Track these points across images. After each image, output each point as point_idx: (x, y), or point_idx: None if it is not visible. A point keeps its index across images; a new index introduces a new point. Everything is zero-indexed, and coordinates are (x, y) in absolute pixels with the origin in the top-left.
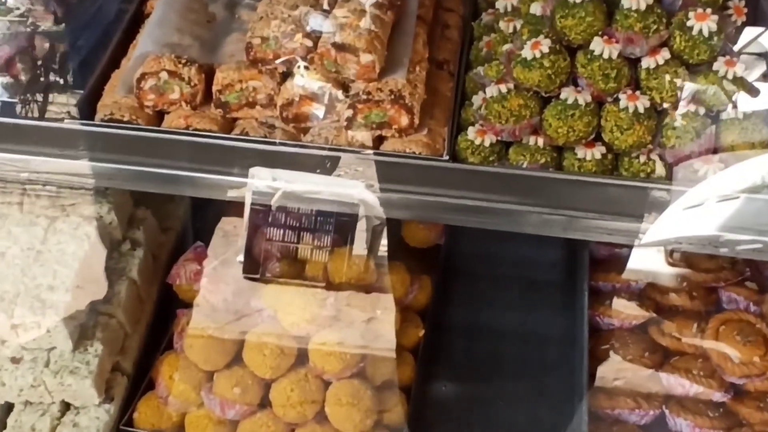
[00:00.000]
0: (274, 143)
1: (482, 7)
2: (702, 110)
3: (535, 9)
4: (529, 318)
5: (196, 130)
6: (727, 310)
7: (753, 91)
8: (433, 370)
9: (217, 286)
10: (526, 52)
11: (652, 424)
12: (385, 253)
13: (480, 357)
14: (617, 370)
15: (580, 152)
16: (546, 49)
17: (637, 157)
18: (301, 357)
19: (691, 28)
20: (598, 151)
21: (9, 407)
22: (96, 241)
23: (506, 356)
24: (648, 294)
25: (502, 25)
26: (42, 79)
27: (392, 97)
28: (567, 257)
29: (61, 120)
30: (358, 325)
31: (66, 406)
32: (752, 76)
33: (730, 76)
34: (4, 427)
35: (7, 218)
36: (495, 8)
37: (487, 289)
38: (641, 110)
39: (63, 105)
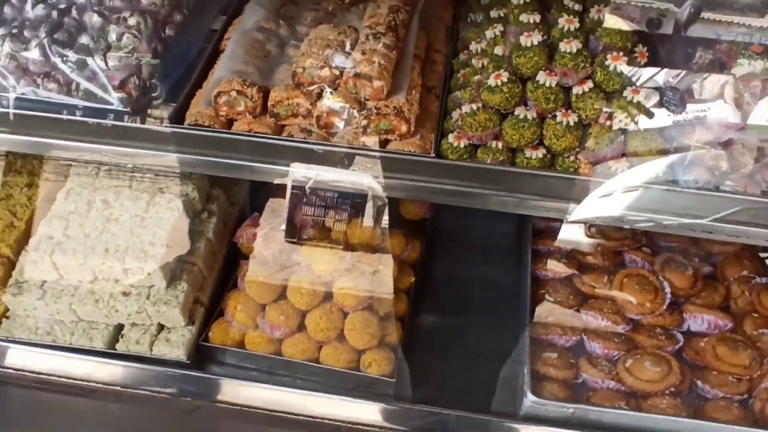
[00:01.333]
0: (309, 143)
1: (459, 48)
2: (614, 125)
3: (498, 50)
4: (489, 270)
5: (255, 133)
6: (629, 267)
7: (649, 113)
8: (420, 306)
9: (268, 245)
10: (491, 81)
11: (574, 347)
12: (387, 224)
13: (454, 298)
14: (550, 309)
15: (528, 153)
16: (505, 79)
17: (569, 157)
18: (327, 295)
19: (608, 66)
20: (540, 152)
21: (120, 327)
22: (182, 212)
23: (473, 297)
24: (573, 255)
25: (474, 62)
26: (146, 95)
27: (395, 111)
28: (517, 228)
29: (160, 124)
30: (367, 275)
31: (160, 327)
32: (650, 102)
33: (634, 101)
34: (117, 340)
35: (120, 194)
36: (469, 50)
37: (460, 250)
38: (572, 124)
39: (158, 116)
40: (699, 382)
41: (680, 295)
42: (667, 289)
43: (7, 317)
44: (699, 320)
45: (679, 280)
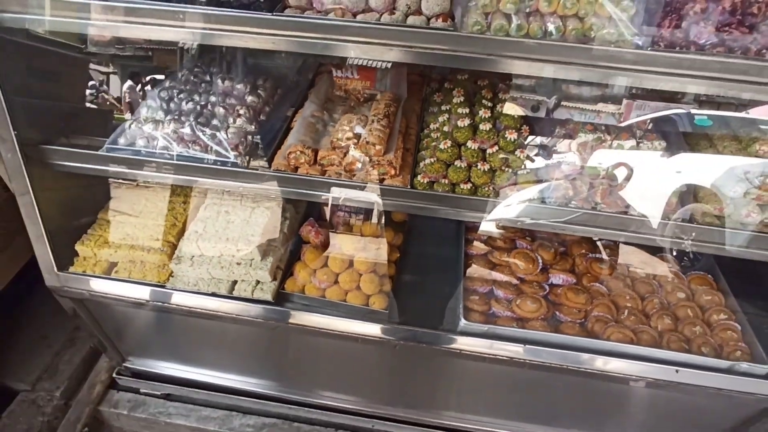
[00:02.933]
0: (341, 181)
1: (424, 126)
2: (510, 169)
3: (446, 128)
4: (441, 250)
5: (310, 174)
6: (519, 248)
7: (531, 160)
8: (402, 270)
9: (317, 236)
10: (441, 146)
11: (488, 292)
12: (384, 223)
13: (422, 265)
14: (475, 270)
15: (462, 186)
16: (449, 145)
17: (485, 188)
18: (350, 264)
19: (506, 137)
20: (468, 186)
21: (235, 282)
22: (270, 217)
23: (432, 265)
24: (488, 241)
25: (432, 134)
26: (250, 153)
27: (388, 163)
28: (457, 226)
29: (257, 169)
30: (372, 251)
31: (257, 282)
32: (531, 154)
33: (523, 157)
34: (234, 289)
35: (236, 207)
36: (429, 128)
37: (425, 238)
38: (486, 170)
39: (257, 165)
40: (557, 313)
41: (547, 263)
42: (540, 260)
43: (173, 276)
44: (557, 278)
45: (546, 254)
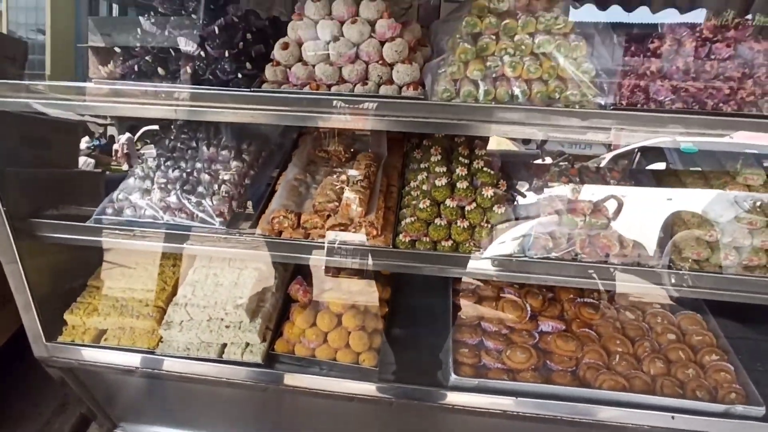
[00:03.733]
0: (323, 243)
1: (406, 183)
2: (489, 225)
3: (425, 187)
4: (429, 301)
5: (293, 238)
6: (506, 296)
7: (509, 219)
8: (391, 324)
9: (305, 295)
10: (420, 205)
11: (478, 344)
12: (373, 279)
13: (410, 318)
14: (463, 321)
15: (444, 243)
16: (428, 204)
17: (466, 244)
18: (339, 322)
19: (483, 194)
20: (449, 243)
21: (224, 345)
22: (261, 277)
23: (420, 318)
24: (476, 291)
25: (412, 192)
26: (234, 219)
27: (369, 224)
28: (444, 282)
29: (241, 235)
30: (361, 309)
31: (247, 344)
32: (505, 210)
33: (500, 212)
34: (223, 353)
35: (224, 269)
36: (410, 185)
37: (413, 292)
38: (465, 227)
39: (242, 229)
40: (548, 362)
41: (536, 310)
42: (528, 308)
43: (162, 342)
44: (547, 325)
45: (534, 302)
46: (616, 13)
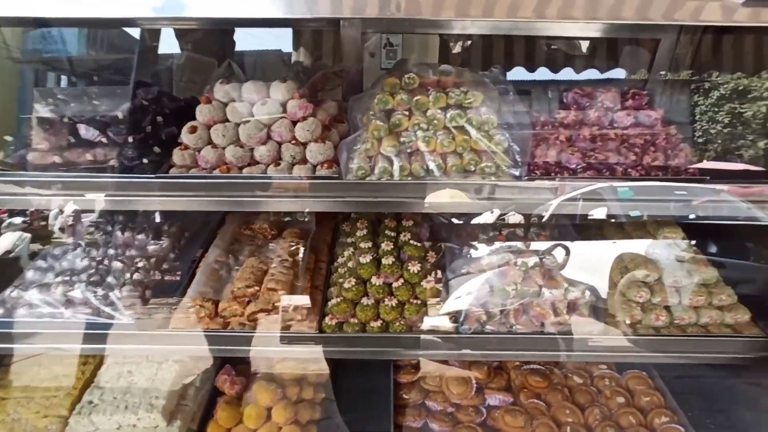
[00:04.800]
0: (244, 332)
1: (336, 254)
2: (419, 301)
3: (350, 264)
4: (369, 380)
5: (211, 329)
6: (450, 369)
7: (439, 293)
8: (330, 412)
9: (232, 387)
10: (345, 285)
11: (422, 427)
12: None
13: (350, 401)
14: (405, 402)
15: (372, 323)
16: (353, 283)
17: (395, 324)
18: (268, 418)
19: (410, 269)
20: (378, 323)
21: None
22: (181, 371)
23: (359, 401)
24: (419, 365)
25: (339, 271)
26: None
27: (294, 308)
28: (385, 364)
29: (153, 330)
30: (292, 400)
31: None
32: (435, 284)
33: (429, 287)
34: None
35: (140, 365)
36: (338, 261)
37: (351, 372)
38: (394, 305)
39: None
40: None
41: (481, 382)
42: (474, 382)
43: None
44: (494, 398)
45: (480, 373)
46: (544, 73)
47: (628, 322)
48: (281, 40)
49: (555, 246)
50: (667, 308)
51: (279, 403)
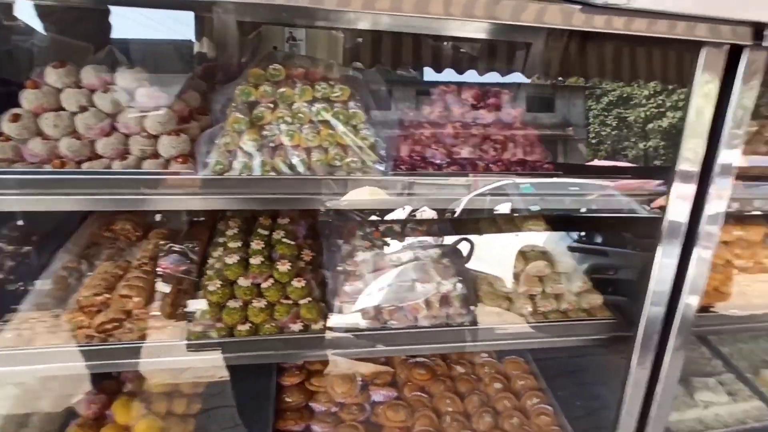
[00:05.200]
0: (94, 345)
1: (207, 256)
2: (290, 301)
3: (218, 265)
4: (250, 383)
5: (50, 344)
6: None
7: (312, 292)
8: (202, 425)
9: (88, 407)
10: (210, 288)
11: (304, 431)
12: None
13: (227, 409)
14: (287, 406)
15: (240, 327)
16: (219, 285)
17: (265, 326)
18: None
19: (279, 269)
20: (247, 326)
21: None
22: (24, 395)
23: (242, 407)
24: (304, 365)
25: (208, 273)
26: None
27: (151, 317)
28: (267, 367)
29: None
30: (159, 416)
31: None
32: (306, 283)
33: (300, 286)
34: None
35: None
36: (208, 263)
37: (231, 377)
38: (263, 306)
39: None
40: None
41: (366, 379)
42: (359, 378)
43: None
44: (378, 395)
45: (365, 369)
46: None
47: (497, 311)
48: (186, 29)
49: (430, 241)
50: (532, 297)
51: (142, 420)
